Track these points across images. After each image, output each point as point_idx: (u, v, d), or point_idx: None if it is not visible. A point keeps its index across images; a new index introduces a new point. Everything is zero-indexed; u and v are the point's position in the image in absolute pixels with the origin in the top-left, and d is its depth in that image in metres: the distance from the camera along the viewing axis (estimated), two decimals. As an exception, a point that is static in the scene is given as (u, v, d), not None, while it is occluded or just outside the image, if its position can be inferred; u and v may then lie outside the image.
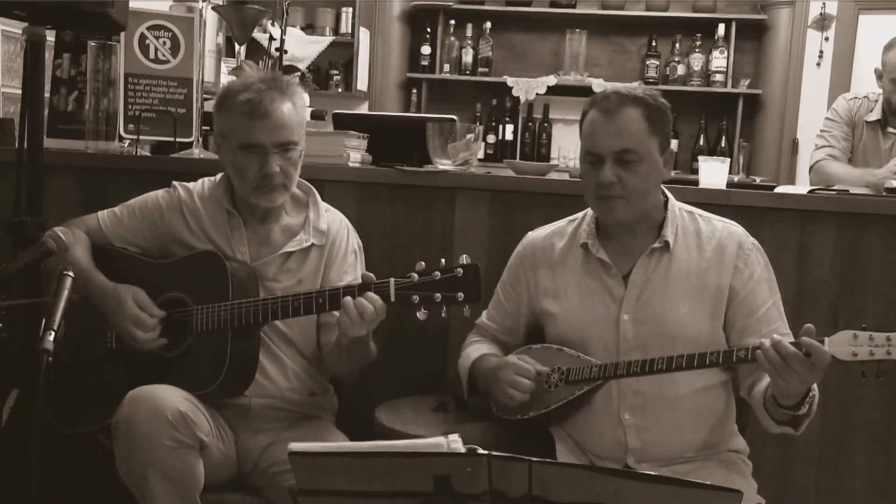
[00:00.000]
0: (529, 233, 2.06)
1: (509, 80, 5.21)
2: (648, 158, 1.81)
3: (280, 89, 1.98)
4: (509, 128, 5.32)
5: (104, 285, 2.00)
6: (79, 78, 2.63)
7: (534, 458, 1.20)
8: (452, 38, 5.36)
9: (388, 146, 2.59)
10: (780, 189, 2.84)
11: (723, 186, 2.51)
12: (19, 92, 2.28)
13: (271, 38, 2.96)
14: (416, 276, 1.76)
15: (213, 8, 2.82)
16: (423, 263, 1.78)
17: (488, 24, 5.31)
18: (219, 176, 2.13)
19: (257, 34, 3.01)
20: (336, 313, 1.86)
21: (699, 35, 5.14)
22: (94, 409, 1.98)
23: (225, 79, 3.06)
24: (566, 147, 5.10)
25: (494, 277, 2.08)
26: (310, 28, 5.30)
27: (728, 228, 1.90)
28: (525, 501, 1.20)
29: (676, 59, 5.22)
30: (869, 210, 2.31)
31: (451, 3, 5.29)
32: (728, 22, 5.08)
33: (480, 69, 5.38)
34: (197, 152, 2.61)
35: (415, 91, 5.46)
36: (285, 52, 2.95)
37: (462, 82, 5.39)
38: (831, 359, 1.57)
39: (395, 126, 2.91)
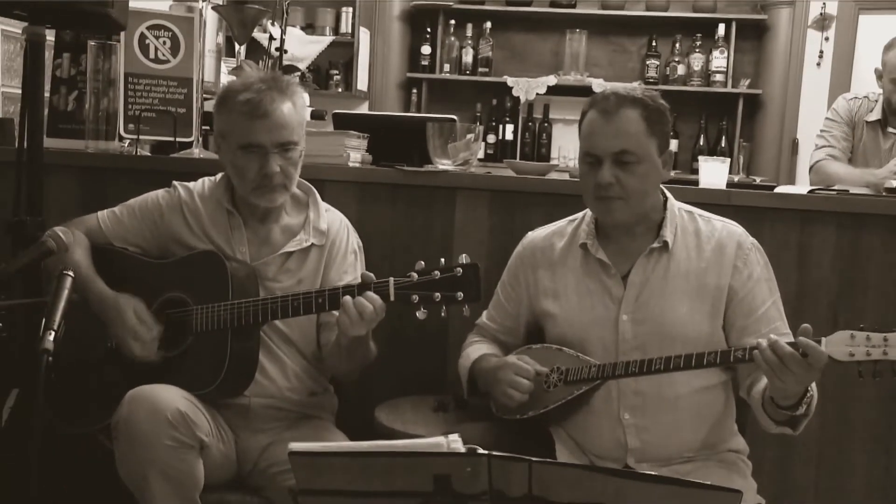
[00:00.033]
0: (529, 233, 2.06)
1: (509, 80, 5.21)
2: (647, 159, 1.81)
3: (280, 89, 1.98)
4: (509, 128, 5.32)
5: (104, 293, 2.00)
6: (79, 77, 2.63)
7: (534, 458, 1.20)
8: (452, 38, 5.36)
9: (389, 146, 2.59)
10: (780, 189, 2.84)
11: (723, 186, 2.51)
12: (19, 91, 2.28)
13: (271, 38, 2.96)
14: (415, 275, 1.76)
15: (213, 8, 2.82)
16: (423, 263, 1.78)
17: (488, 24, 5.31)
18: (219, 176, 2.13)
19: (257, 34, 3.01)
20: (336, 313, 1.86)
21: (699, 35, 5.14)
22: (94, 408, 1.98)
23: (225, 78, 3.07)
24: (566, 147, 5.10)
25: (494, 277, 2.08)
26: (310, 28, 5.30)
27: (727, 228, 1.89)
28: (525, 501, 1.20)
29: (676, 59, 5.22)
30: (869, 210, 2.31)
31: (451, 3, 5.29)
32: (728, 22, 5.08)
33: (480, 69, 5.38)
34: (197, 152, 2.61)
35: (415, 91, 5.46)
36: (285, 51, 2.95)
37: (462, 82, 5.39)
38: (828, 359, 1.57)
39: (395, 126, 2.91)
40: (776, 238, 2.28)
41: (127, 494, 1.83)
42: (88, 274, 2.01)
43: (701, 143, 5.16)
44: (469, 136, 2.42)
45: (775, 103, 5.06)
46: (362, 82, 5.36)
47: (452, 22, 5.34)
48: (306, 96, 2.36)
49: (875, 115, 3.28)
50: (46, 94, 2.44)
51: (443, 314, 1.75)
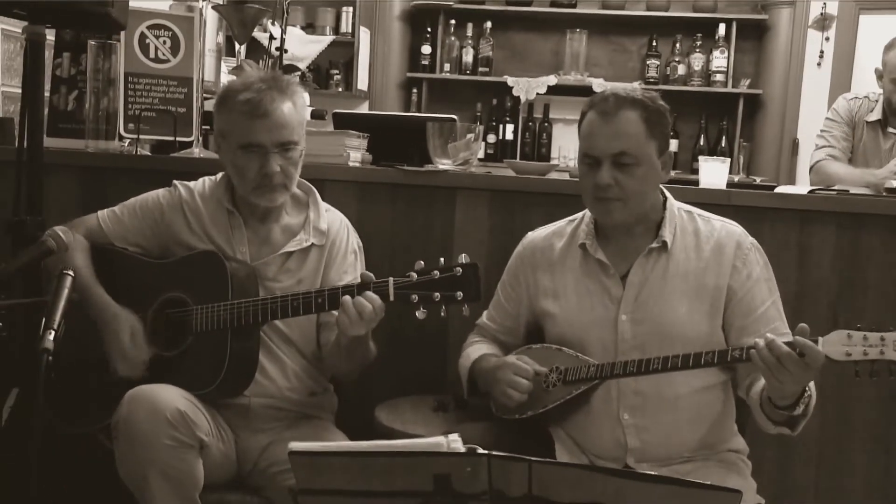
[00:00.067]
0: (529, 233, 2.06)
1: (510, 80, 5.21)
2: (646, 161, 1.81)
3: (280, 89, 1.98)
4: (509, 127, 5.32)
5: (104, 303, 1.99)
6: (79, 77, 2.63)
7: (534, 458, 1.20)
8: (453, 38, 5.36)
9: (389, 146, 2.59)
10: (780, 189, 2.84)
11: (723, 186, 2.51)
12: (19, 91, 2.28)
13: (271, 38, 2.96)
14: (415, 275, 1.76)
15: (213, 7, 2.82)
16: (423, 263, 1.78)
17: (489, 24, 5.31)
18: (219, 175, 2.13)
19: (257, 33, 3.01)
20: (336, 313, 1.86)
21: (700, 35, 5.14)
22: (93, 408, 1.98)
23: (225, 78, 3.06)
24: (566, 147, 5.10)
25: (494, 277, 2.08)
26: (310, 27, 5.30)
27: (727, 228, 1.89)
28: (525, 501, 1.20)
29: (677, 59, 5.22)
30: (869, 210, 2.31)
31: (451, 3, 5.29)
32: (728, 22, 5.08)
33: (481, 69, 5.38)
34: (197, 152, 2.61)
35: (415, 91, 5.46)
36: (285, 51, 2.95)
37: (462, 82, 5.39)
38: (825, 359, 1.57)
39: (395, 126, 2.91)
40: (776, 238, 2.28)
41: (127, 494, 1.83)
42: (88, 280, 2.00)
43: (701, 143, 5.16)
44: (469, 135, 2.42)
45: (775, 103, 5.06)
46: (362, 82, 5.36)
47: (453, 22, 5.34)
48: (306, 96, 2.36)
49: (875, 115, 3.28)
50: (46, 94, 2.44)
51: (442, 314, 1.75)
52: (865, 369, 1.57)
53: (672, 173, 1.91)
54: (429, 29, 5.39)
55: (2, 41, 3.79)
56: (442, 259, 1.77)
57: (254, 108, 1.94)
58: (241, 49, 2.95)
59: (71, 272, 1.65)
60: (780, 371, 1.59)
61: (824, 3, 4.97)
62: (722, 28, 5.06)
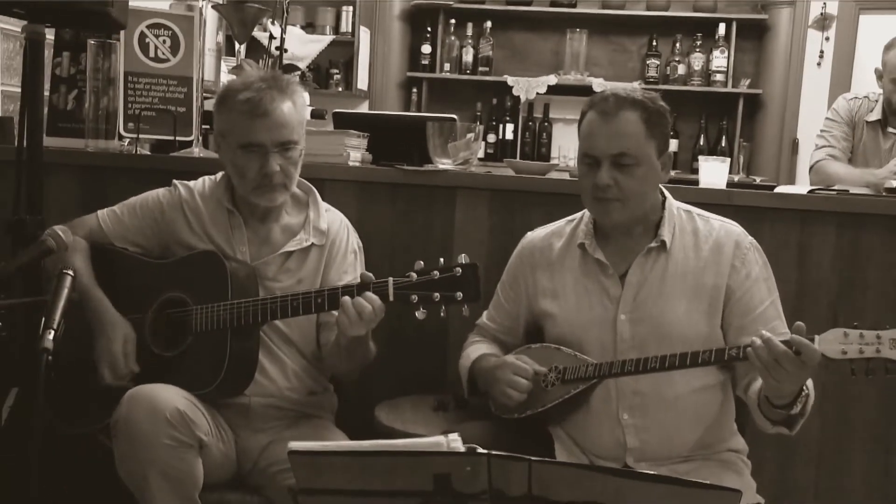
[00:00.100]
0: (529, 233, 2.06)
1: (510, 80, 5.21)
2: (645, 162, 1.81)
3: (280, 88, 1.97)
4: (509, 127, 5.32)
5: (101, 310, 1.99)
6: (78, 76, 2.63)
7: (533, 458, 1.20)
8: (453, 38, 5.36)
9: (389, 145, 2.59)
10: (780, 189, 2.84)
11: (723, 186, 2.51)
12: (19, 90, 2.28)
13: (271, 37, 2.96)
14: (414, 275, 1.76)
15: (213, 6, 2.82)
16: (422, 263, 1.77)
17: (489, 24, 5.31)
18: (219, 175, 2.13)
19: (257, 33, 3.01)
20: (335, 313, 1.86)
21: (700, 35, 5.14)
22: (93, 408, 1.98)
23: (225, 78, 3.07)
24: (566, 146, 5.09)
25: (494, 277, 2.08)
26: (310, 27, 5.30)
27: (726, 227, 1.89)
28: (525, 501, 1.20)
29: (677, 59, 5.22)
30: (869, 210, 2.31)
31: (451, 3, 5.29)
32: (729, 22, 5.07)
33: (481, 68, 5.38)
34: (197, 151, 2.61)
35: (415, 90, 5.45)
36: (285, 50, 2.95)
37: (462, 81, 5.39)
38: (821, 357, 1.57)
39: (395, 125, 2.91)
40: (776, 238, 2.28)
41: (127, 494, 1.83)
42: (87, 283, 2.00)
43: (701, 143, 5.16)
44: (469, 135, 2.42)
45: (775, 103, 5.06)
46: (362, 81, 5.36)
47: (453, 21, 5.34)
48: (306, 95, 2.36)
49: (875, 115, 3.28)
50: (46, 93, 2.44)
51: (442, 314, 1.75)
52: (861, 367, 1.57)
53: (672, 173, 1.91)
54: (429, 28, 5.39)
55: (1, 40, 3.78)
56: (441, 259, 1.77)
57: (254, 108, 1.94)
58: (240, 48, 2.95)
59: (70, 271, 1.65)
60: (777, 369, 1.59)
61: (824, 3, 4.97)
62: (722, 28, 5.06)
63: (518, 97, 5.21)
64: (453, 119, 2.50)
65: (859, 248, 2.30)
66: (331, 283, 2.02)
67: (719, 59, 5.11)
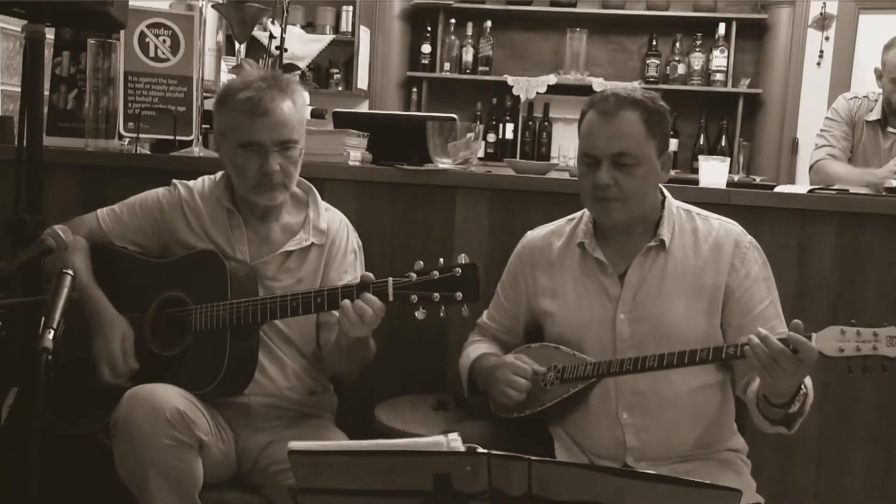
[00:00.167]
0: (528, 232, 2.06)
1: (510, 79, 5.21)
2: (645, 161, 1.81)
3: (280, 87, 1.97)
4: (509, 127, 5.32)
5: (100, 309, 1.99)
6: (78, 76, 2.63)
7: (533, 457, 1.20)
8: (453, 37, 5.36)
9: (389, 145, 2.59)
10: (780, 188, 2.83)
11: (723, 186, 2.51)
12: (19, 90, 2.28)
13: (271, 37, 2.96)
14: (414, 275, 1.76)
15: (213, 6, 2.82)
16: (422, 263, 1.77)
17: (489, 23, 5.31)
18: (219, 174, 2.13)
19: (257, 32, 3.01)
20: (335, 313, 1.86)
21: (700, 34, 5.14)
22: (93, 408, 1.98)
23: (225, 77, 3.06)
24: (566, 146, 5.07)
25: (494, 277, 2.08)
26: (310, 26, 5.29)
27: (725, 227, 1.89)
28: (525, 500, 1.20)
29: (677, 59, 5.22)
30: (869, 210, 2.31)
31: (451, 2, 5.29)
32: (728, 21, 5.07)
33: (481, 68, 5.37)
34: (197, 151, 2.61)
35: (415, 90, 5.45)
36: (285, 50, 2.95)
37: (462, 81, 5.39)
38: (818, 355, 1.57)
39: (395, 125, 2.91)
40: (776, 237, 2.28)
41: (127, 494, 1.83)
42: (87, 284, 2.00)
43: (701, 143, 5.16)
44: (469, 134, 2.42)
45: (775, 103, 5.06)
46: (362, 81, 5.36)
47: (453, 21, 5.34)
48: (306, 95, 2.35)
49: (875, 114, 3.28)
50: (46, 93, 2.44)
51: (441, 314, 1.75)
52: (858, 365, 1.58)
53: (672, 172, 1.91)
54: (429, 28, 5.38)
55: (1, 40, 3.78)
56: (441, 259, 1.77)
57: (254, 107, 1.94)
58: (240, 48, 2.95)
59: (70, 271, 1.65)
60: (774, 367, 1.59)
61: (824, 3, 4.97)
62: (722, 27, 5.06)
63: (518, 97, 5.21)
64: (453, 119, 2.50)
65: (859, 247, 2.30)
66: (331, 283, 2.01)
67: (719, 59, 5.11)
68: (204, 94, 2.71)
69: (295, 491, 1.31)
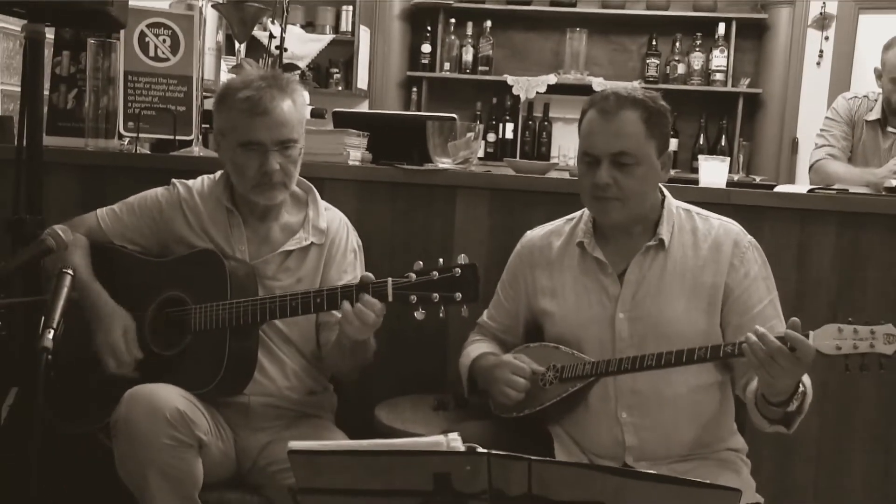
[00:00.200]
0: (528, 232, 2.06)
1: (509, 79, 5.21)
2: (645, 161, 1.81)
3: (280, 87, 1.97)
4: (509, 126, 5.32)
5: (100, 301, 1.99)
6: (78, 75, 2.63)
7: (533, 457, 1.20)
8: (453, 37, 5.36)
9: (388, 144, 2.59)
10: (779, 188, 2.84)
11: (723, 185, 2.51)
12: (19, 89, 2.28)
13: (271, 36, 2.96)
14: (413, 275, 1.76)
15: (213, 6, 2.82)
16: (421, 263, 1.77)
17: (489, 23, 5.31)
18: (218, 174, 2.13)
19: (257, 32, 3.01)
20: (336, 313, 1.86)
21: (699, 34, 5.14)
22: (93, 407, 1.98)
23: (225, 77, 3.06)
24: (566, 146, 5.09)
25: (494, 277, 2.08)
26: (310, 26, 5.29)
27: (725, 226, 1.89)
28: (525, 500, 1.20)
29: (677, 58, 5.22)
30: (869, 209, 2.31)
31: (451, 2, 5.29)
32: (728, 21, 5.07)
33: (481, 68, 5.37)
34: (197, 150, 2.61)
35: (415, 89, 5.45)
36: (285, 50, 2.95)
37: (462, 81, 5.39)
38: (816, 353, 1.57)
39: (395, 124, 2.91)
40: (776, 237, 2.28)
41: (127, 494, 1.83)
42: (87, 279, 2.00)
43: (701, 142, 5.16)
44: (469, 134, 2.42)
45: (775, 102, 5.06)
46: (362, 81, 5.36)
47: (453, 20, 5.34)
48: (306, 95, 2.35)
49: (875, 114, 3.28)
50: (46, 92, 2.44)
51: (441, 315, 1.75)
52: (856, 363, 1.58)
53: (672, 172, 1.91)
54: (429, 28, 5.38)
55: (1, 39, 3.78)
56: (441, 259, 1.77)
57: (253, 106, 1.94)
58: (240, 48, 2.94)
59: (70, 271, 1.65)
60: (772, 365, 1.59)
61: (824, 3, 4.97)
62: (722, 27, 5.06)
63: (518, 96, 5.21)
64: (453, 118, 2.50)
65: (859, 247, 2.30)
66: (330, 282, 2.01)
67: (719, 59, 5.10)
68: (204, 93, 2.71)
69: (295, 491, 1.31)
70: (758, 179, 4.52)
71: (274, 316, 1.91)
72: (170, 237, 2.09)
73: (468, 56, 5.36)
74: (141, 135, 2.63)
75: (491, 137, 5.29)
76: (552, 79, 5.16)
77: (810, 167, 3.39)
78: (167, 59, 2.66)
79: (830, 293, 2.30)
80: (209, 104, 2.36)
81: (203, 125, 2.67)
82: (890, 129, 3.26)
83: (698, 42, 5.15)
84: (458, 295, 1.73)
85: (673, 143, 4.83)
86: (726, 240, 1.87)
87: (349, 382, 2.16)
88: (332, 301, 1.83)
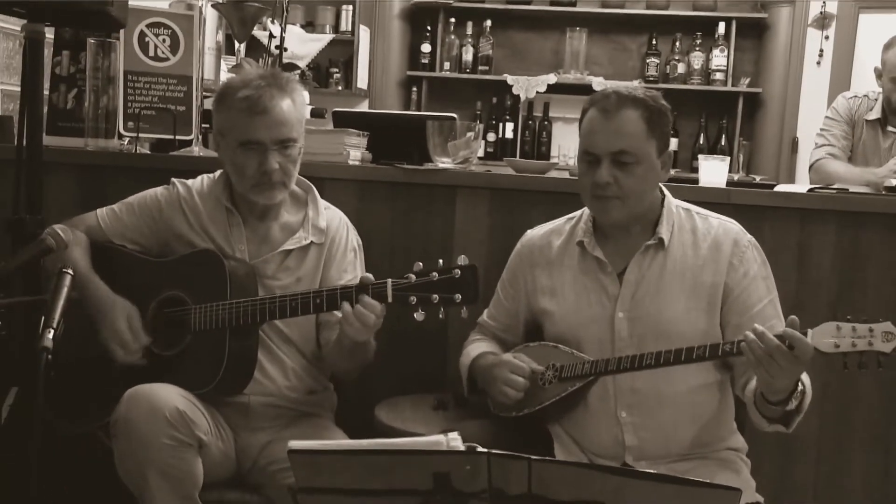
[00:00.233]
0: (528, 231, 2.06)
1: (509, 79, 5.21)
2: (645, 160, 1.81)
3: (279, 86, 1.97)
4: (509, 126, 5.32)
5: (101, 294, 1.99)
6: (78, 75, 2.63)
7: (533, 457, 1.20)
8: (453, 36, 5.36)
9: (388, 144, 2.59)
10: (779, 188, 2.83)
11: (723, 185, 2.51)
12: (18, 89, 2.28)
13: (271, 36, 2.96)
14: (413, 276, 1.76)
15: (212, 5, 2.82)
16: (421, 264, 1.77)
17: (488, 23, 5.31)
18: (218, 173, 2.13)
19: (257, 32, 3.01)
20: (336, 312, 1.86)
21: (699, 33, 5.14)
22: (93, 407, 1.98)
23: (225, 76, 3.06)
24: (566, 145, 5.10)
25: (494, 276, 2.08)
26: (310, 26, 5.29)
27: (724, 226, 1.89)
28: (524, 499, 1.20)
29: (677, 58, 5.22)
30: (869, 209, 2.31)
31: (451, 2, 5.28)
32: (728, 20, 5.07)
33: (480, 67, 5.37)
34: (196, 150, 2.61)
35: (415, 89, 5.45)
36: (285, 49, 2.95)
37: (462, 80, 5.39)
38: (814, 351, 1.57)
39: (395, 124, 2.91)
40: (776, 237, 2.28)
41: (127, 494, 1.83)
42: (87, 273, 2.00)
43: (701, 142, 5.16)
44: (469, 134, 2.42)
45: (775, 102, 5.06)
46: (362, 80, 5.35)
47: (452, 20, 5.34)
48: (306, 94, 2.35)
49: (875, 113, 3.28)
50: (46, 92, 2.44)
51: (441, 316, 1.75)
52: (854, 361, 1.58)
53: (672, 171, 1.91)
54: (429, 27, 5.38)
55: (1, 39, 3.78)
56: (441, 260, 1.77)
57: (253, 105, 1.94)
58: (240, 47, 2.94)
59: (70, 270, 1.65)
60: (770, 363, 1.59)
61: (824, 2, 4.97)
62: (722, 27, 5.06)
63: (518, 96, 5.21)
64: (453, 118, 2.50)
65: (859, 247, 2.30)
66: (330, 282, 2.01)
67: (719, 58, 5.10)
68: (204, 93, 2.71)
69: (295, 490, 1.31)
70: (758, 179, 4.50)
71: (273, 316, 1.91)
72: (169, 237, 2.09)
73: (468, 56, 5.35)
74: (141, 135, 2.63)
75: (491, 137, 5.29)
76: (552, 78, 5.16)
77: (810, 167, 3.39)
78: (167, 59, 2.66)
79: (830, 293, 2.30)
80: (209, 104, 2.36)
81: (203, 125, 2.67)
82: (890, 128, 3.26)
83: (698, 41, 5.15)
84: (458, 296, 1.72)
85: (673, 143, 4.82)
86: (726, 239, 1.87)
87: (349, 382, 2.16)
88: (331, 302, 1.83)
